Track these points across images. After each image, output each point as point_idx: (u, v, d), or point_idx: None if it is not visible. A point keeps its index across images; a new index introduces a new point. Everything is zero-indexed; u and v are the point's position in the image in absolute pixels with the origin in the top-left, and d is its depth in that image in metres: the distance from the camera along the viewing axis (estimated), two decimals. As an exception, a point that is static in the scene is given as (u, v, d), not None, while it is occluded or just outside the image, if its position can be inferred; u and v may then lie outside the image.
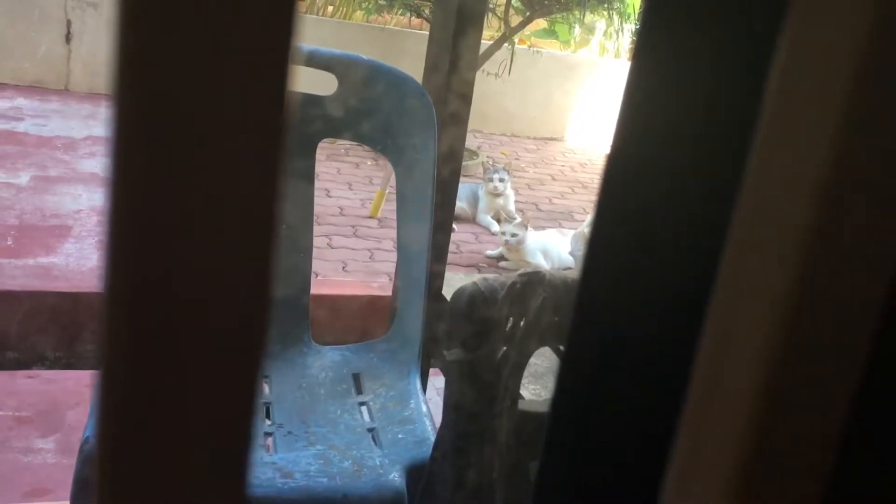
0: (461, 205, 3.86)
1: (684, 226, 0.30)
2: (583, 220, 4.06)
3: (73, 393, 2.21)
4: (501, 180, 3.98)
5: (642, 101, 0.30)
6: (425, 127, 1.50)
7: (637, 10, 5.70)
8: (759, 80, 0.23)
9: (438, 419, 1.14)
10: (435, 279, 1.70)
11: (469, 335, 0.87)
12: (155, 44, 0.16)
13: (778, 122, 0.22)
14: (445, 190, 1.64)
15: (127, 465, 0.16)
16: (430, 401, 1.51)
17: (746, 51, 0.29)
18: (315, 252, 1.68)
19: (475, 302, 0.87)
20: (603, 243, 0.30)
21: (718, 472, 0.22)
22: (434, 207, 1.48)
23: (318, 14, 5.69)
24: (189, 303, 0.17)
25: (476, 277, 0.91)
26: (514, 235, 3.48)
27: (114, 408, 0.16)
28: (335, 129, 1.56)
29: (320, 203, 3.74)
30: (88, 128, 4.37)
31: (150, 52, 0.16)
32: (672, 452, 0.25)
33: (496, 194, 4.02)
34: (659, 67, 0.30)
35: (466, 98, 1.64)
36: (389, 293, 1.88)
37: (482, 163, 4.77)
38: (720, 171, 0.29)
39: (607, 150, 0.31)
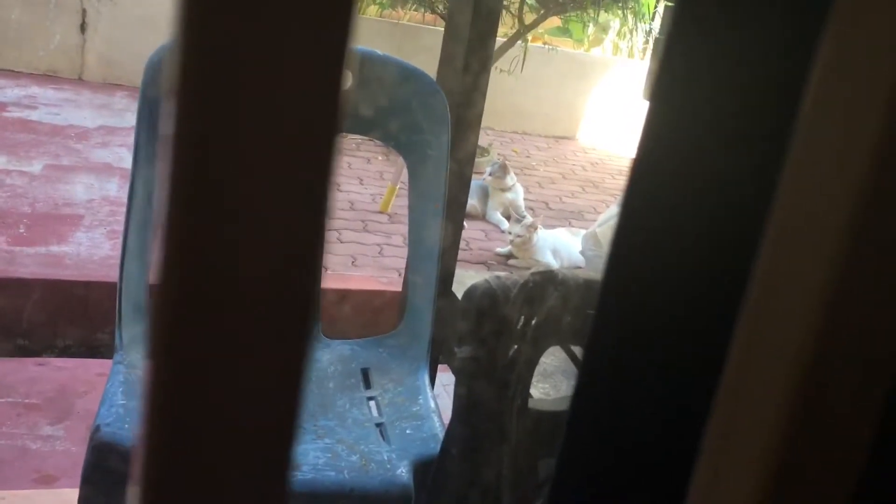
0: (471, 202, 3.86)
1: (712, 225, 0.30)
2: (594, 220, 4.06)
3: (83, 381, 2.22)
4: (491, 174, 4.03)
5: (671, 98, 0.30)
6: (439, 123, 1.50)
7: (651, 10, 5.68)
8: (793, 77, 0.23)
9: (446, 415, 1.14)
10: (445, 276, 1.70)
11: (481, 333, 0.87)
12: (213, 40, 0.16)
13: (817, 120, 0.22)
14: (457, 187, 1.64)
15: (169, 460, 0.16)
16: (437, 397, 1.51)
17: (781, 48, 0.29)
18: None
19: (487, 300, 0.87)
20: (628, 242, 0.30)
21: (746, 477, 0.22)
22: (446, 204, 1.48)
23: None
24: (237, 295, 0.17)
25: (488, 275, 0.91)
26: (519, 236, 3.51)
27: (160, 402, 0.16)
28: (348, 125, 1.56)
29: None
30: (102, 117, 4.38)
31: (209, 49, 0.16)
32: (697, 458, 0.25)
33: (503, 189, 4.04)
34: (688, 66, 0.30)
35: (480, 96, 1.64)
36: (398, 288, 1.88)
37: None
38: (750, 170, 0.29)
39: (634, 147, 0.31)
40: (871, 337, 0.22)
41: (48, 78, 4.92)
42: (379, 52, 1.57)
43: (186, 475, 0.17)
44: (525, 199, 4.22)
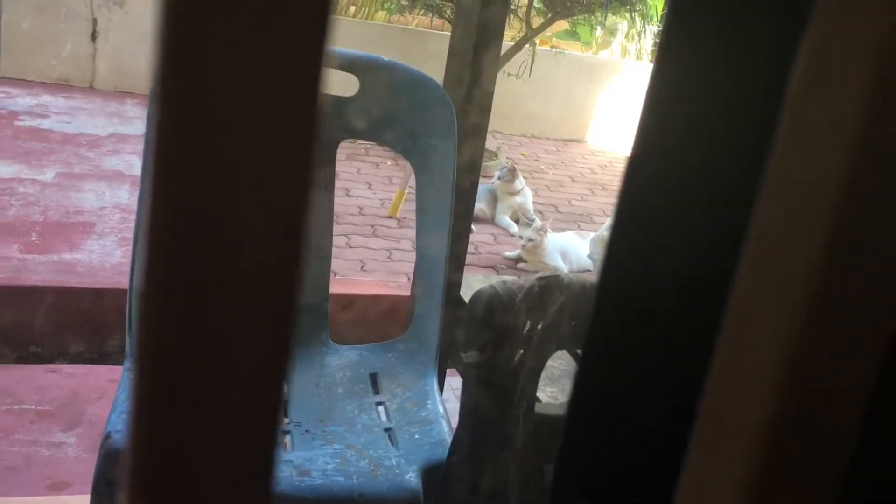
0: (480, 206, 3.87)
1: (702, 229, 0.30)
2: (602, 223, 4.06)
3: (95, 388, 2.23)
4: (500, 178, 4.06)
5: (663, 104, 0.30)
6: (446, 129, 1.50)
7: (659, 13, 5.67)
8: (781, 81, 0.23)
9: (455, 420, 1.15)
10: (453, 282, 1.70)
11: (487, 338, 0.87)
12: (192, 43, 0.16)
13: (798, 123, 0.22)
14: (464, 195, 1.64)
15: (156, 462, 0.17)
16: (446, 402, 1.51)
17: (768, 53, 0.29)
18: (334, 251, 1.69)
19: (493, 305, 0.87)
20: (621, 247, 0.31)
21: (732, 476, 0.22)
22: (453, 208, 1.48)
23: (340, 14, 5.71)
24: (219, 302, 0.17)
25: (494, 280, 0.91)
26: (530, 240, 3.52)
27: (145, 405, 0.17)
28: (356, 130, 1.57)
29: (340, 202, 3.76)
30: (113, 125, 4.41)
31: (188, 53, 0.16)
32: (686, 456, 0.25)
33: (511, 193, 4.05)
34: (680, 70, 0.30)
35: (488, 101, 1.64)
36: (408, 293, 1.89)
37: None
38: (740, 174, 0.29)
39: (628, 153, 0.31)
40: (859, 329, 0.22)
41: (60, 86, 4.96)
42: (385, 57, 1.57)
43: (174, 478, 0.17)
44: (534, 203, 4.23)
